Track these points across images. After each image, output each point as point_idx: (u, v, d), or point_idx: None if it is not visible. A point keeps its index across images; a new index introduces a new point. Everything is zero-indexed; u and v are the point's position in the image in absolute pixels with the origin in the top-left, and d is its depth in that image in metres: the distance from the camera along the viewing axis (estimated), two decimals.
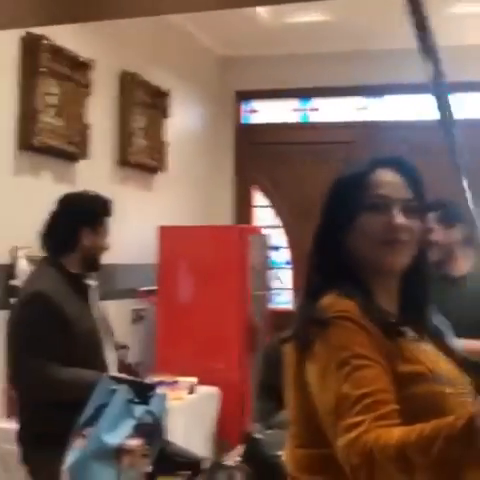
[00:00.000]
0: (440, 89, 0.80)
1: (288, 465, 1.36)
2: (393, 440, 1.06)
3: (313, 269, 1.38)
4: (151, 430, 2.48)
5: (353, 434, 1.11)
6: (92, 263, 2.73)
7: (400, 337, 1.28)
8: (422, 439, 1.03)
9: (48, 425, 2.54)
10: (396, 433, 1.07)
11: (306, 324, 1.26)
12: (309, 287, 1.36)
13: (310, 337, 1.23)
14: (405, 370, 1.24)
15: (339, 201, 1.36)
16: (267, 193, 6.14)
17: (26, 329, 2.56)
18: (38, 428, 2.59)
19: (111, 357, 2.77)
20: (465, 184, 0.87)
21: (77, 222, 2.65)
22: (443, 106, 0.76)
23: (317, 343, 1.22)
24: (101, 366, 2.67)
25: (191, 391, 4.07)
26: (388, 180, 1.36)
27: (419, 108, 5.86)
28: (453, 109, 0.77)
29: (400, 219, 1.32)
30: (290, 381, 1.32)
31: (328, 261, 1.36)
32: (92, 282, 2.76)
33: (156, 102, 4.83)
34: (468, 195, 0.91)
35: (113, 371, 2.72)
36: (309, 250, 1.41)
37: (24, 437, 2.66)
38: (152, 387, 2.67)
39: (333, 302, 1.26)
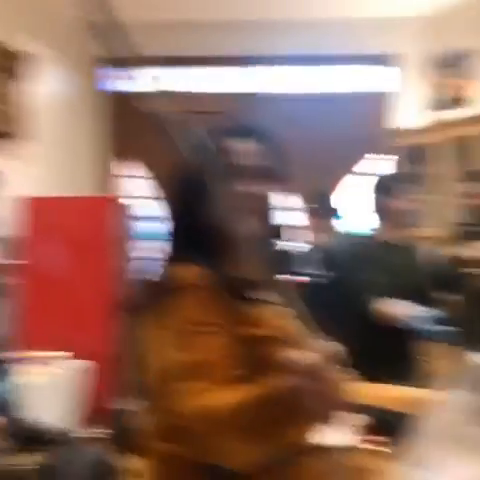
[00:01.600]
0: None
1: (143, 434, 1.36)
2: (227, 406, 1.08)
3: (169, 239, 1.38)
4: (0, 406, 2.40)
5: (193, 401, 1.12)
6: None
7: (249, 302, 1.30)
8: (252, 403, 1.06)
9: None
10: (229, 398, 1.09)
11: (154, 292, 1.26)
12: (165, 257, 1.37)
13: (157, 305, 1.23)
14: (253, 333, 1.26)
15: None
16: (136, 163, 6.05)
17: None
18: None
19: None
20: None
21: None
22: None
23: (163, 311, 1.23)
24: None
25: (56, 366, 3.98)
26: (241, 149, 1.37)
27: (293, 80, 5.95)
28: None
29: (250, 188, 1.34)
30: (140, 347, 1.32)
31: (183, 231, 1.36)
32: None
33: (5, 65, 4.53)
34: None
35: None
36: (165, 220, 1.40)
37: None
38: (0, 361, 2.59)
39: (182, 271, 1.27)
